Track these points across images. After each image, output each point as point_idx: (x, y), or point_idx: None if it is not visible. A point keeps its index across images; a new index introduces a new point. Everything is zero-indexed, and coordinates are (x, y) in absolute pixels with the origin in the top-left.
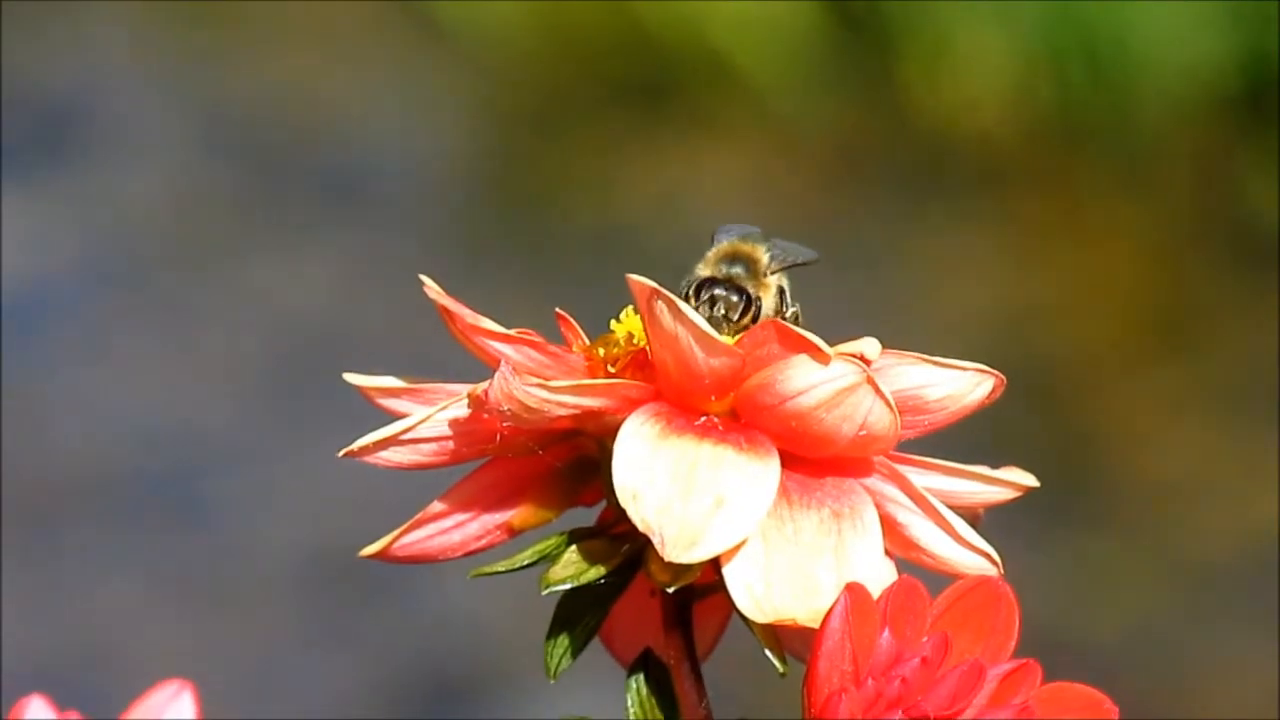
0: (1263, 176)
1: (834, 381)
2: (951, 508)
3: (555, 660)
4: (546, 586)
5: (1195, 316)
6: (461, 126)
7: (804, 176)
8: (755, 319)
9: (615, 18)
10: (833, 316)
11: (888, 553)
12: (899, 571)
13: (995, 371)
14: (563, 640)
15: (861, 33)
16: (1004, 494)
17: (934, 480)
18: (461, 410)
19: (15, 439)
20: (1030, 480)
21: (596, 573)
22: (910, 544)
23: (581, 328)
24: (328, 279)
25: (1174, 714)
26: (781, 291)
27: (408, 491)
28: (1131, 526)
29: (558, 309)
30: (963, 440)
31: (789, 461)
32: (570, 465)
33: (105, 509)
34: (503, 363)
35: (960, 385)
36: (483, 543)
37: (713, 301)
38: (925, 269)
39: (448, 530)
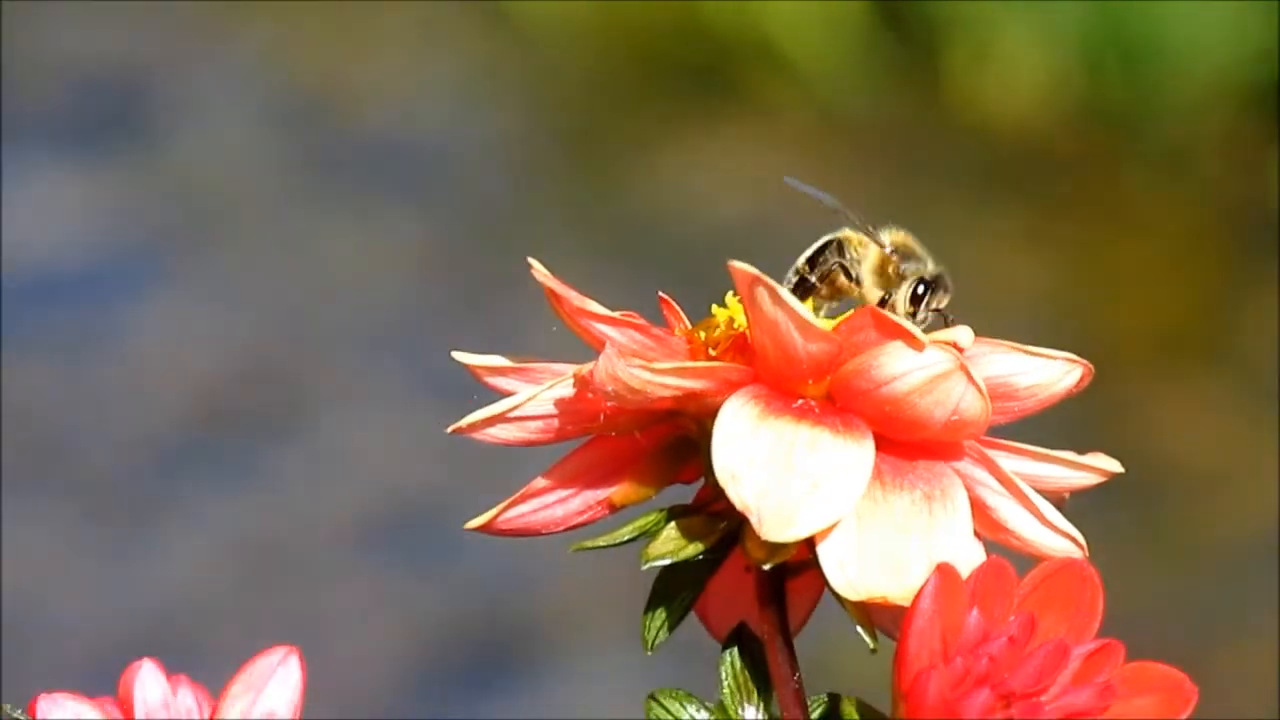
0: None
1: (928, 368)
2: (1039, 491)
3: (653, 633)
4: (646, 561)
5: (1226, 306)
6: (520, 112)
7: (849, 164)
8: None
9: (674, 9)
10: None
11: (977, 534)
12: (987, 553)
13: (1083, 361)
14: (660, 613)
15: (907, 28)
16: (1090, 479)
17: (1022, 465)
18: (567, 390)
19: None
20: (1115, 466)
21: (695, 549)
22: (998, 526)
23: (660, 308)
24: (387, 250)
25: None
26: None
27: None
28: (1158, 510)
29: (661, 293)
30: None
31: (882, 444)
32: (670, 444)
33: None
34: (608, 344)
35: (1050, 373)
36: (584, 518)
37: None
38: (965, 256)
39: (550, 505)
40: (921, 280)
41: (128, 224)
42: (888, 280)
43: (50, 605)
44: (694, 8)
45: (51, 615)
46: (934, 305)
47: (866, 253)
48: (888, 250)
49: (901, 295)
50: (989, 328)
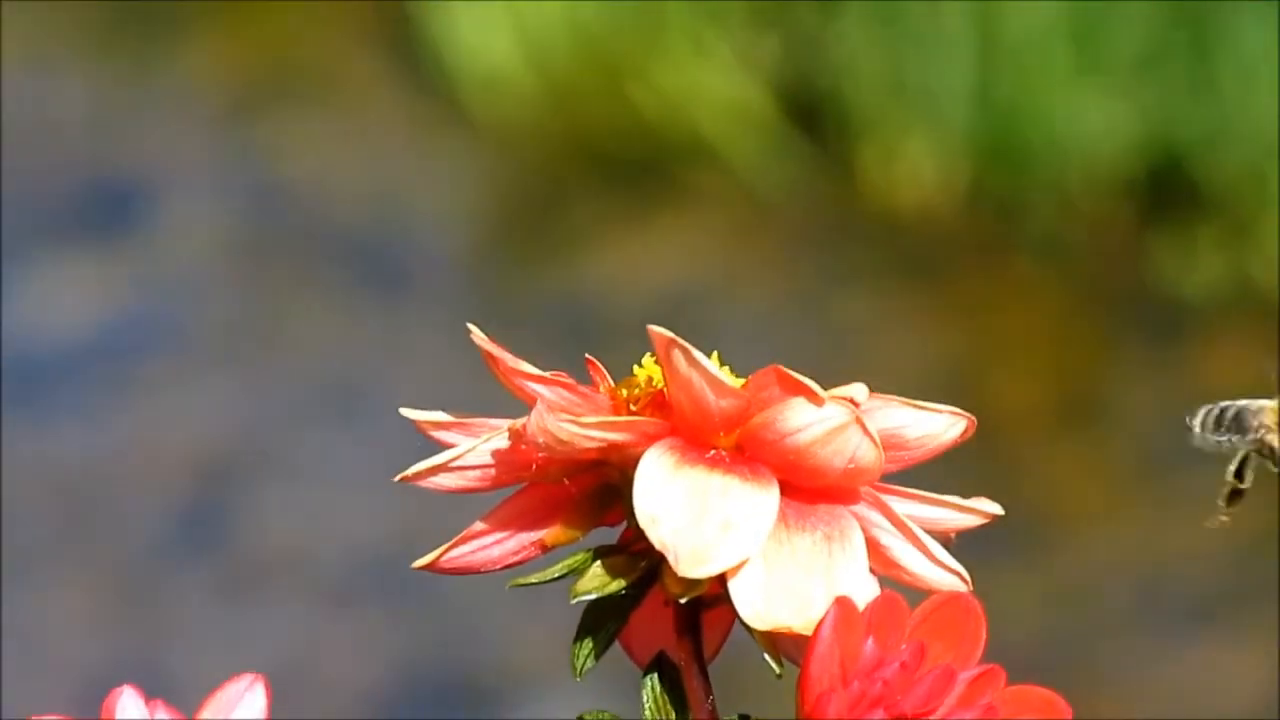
0: (1166, 253)
1: (827, 421)
2: (928, 532)
3: (581, 661)
4: (574, 596)
5: (1102, 375)
6: (469, 200)
7: (772, 249)
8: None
9: (617, 109)
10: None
11: (872, 570)
12: (882, 587)
13: (967, 414)
14: (588, 644)
15: (822, 127)
16: (973, 520)
17: (913, 508)
18: (502, 442)
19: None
20: (996, 509)
21: (618, 585)
22: (891, 563)
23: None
24: (356, 335)
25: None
26: None
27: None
28: (1032, 558)
29: (588, 355)
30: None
31: (787, 490)
32: (596, 491)
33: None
34: (539, 400)
35: (937, 425)
36: (519, 557)
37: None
38: (873, 330)
39: (488, 546)
40: None
41: (113, 313)
42: None
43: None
44: (635, 107)
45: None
46: None
47: None
48: None
49: None
50: (892, 392)
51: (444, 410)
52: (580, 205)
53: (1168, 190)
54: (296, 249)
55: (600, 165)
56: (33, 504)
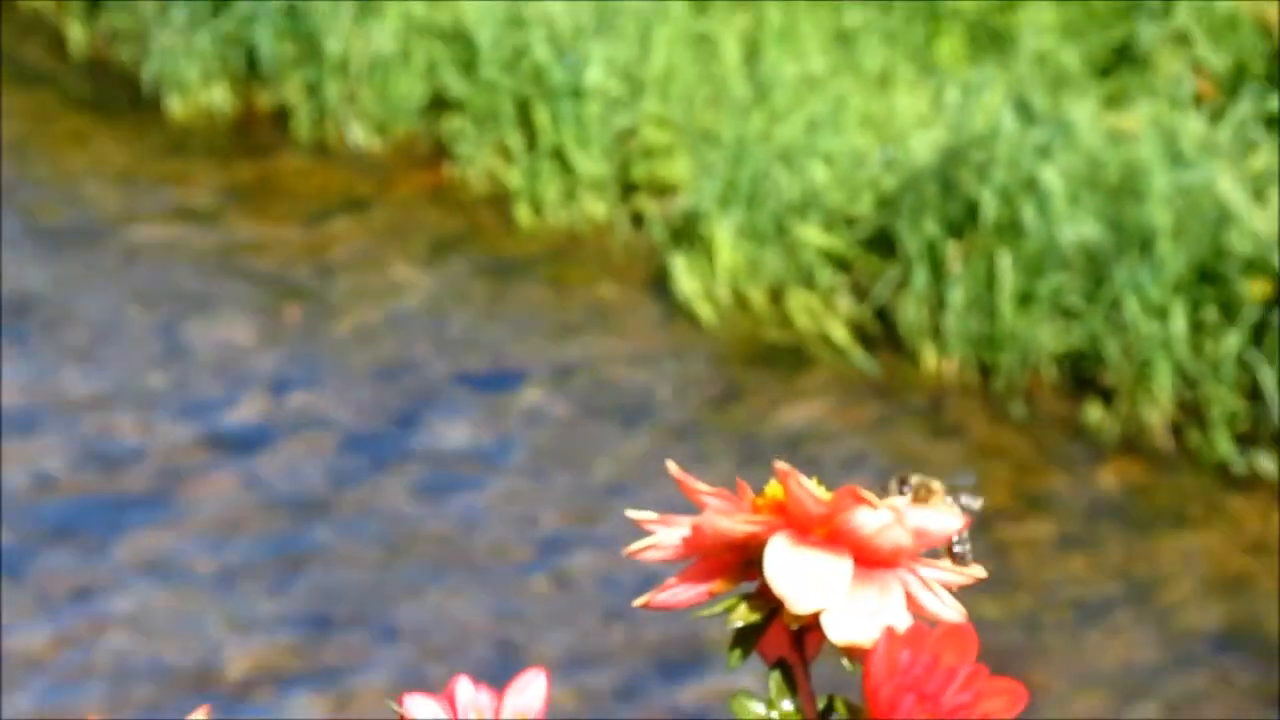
0: None
1: (879, 521)
2: (940, 585)
3: (734, 659)
4: (729, 623)
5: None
6: (694, 372)
7: (857, 410)
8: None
9: (780, 320)
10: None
11: (907, 609)
12: (914, 620)
13: (970, 516)
14: (738, 651)
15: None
16: (966, 580)
17: (931, 573)
18: (687, 531)
19: None
20: (981, 572)
21: (756, 617)
22: (918, 606)
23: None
24: (618, 460)
25: None
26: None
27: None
28: (1014, 592)
29: (738, 478)
30: None
31: (857, 562)
32: (742, 561)
33: None
34: (708, 507)
35: (949, 524)
36: (696, 599)
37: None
38: (918, 465)
39: (679, 592)
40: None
41: None
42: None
43: None
44: (792, 322)
45: None
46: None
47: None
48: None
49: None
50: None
51: (655, 510)
52: (753, 376)
53: None
54: (594, 411)
55: (768, 353)
56: None
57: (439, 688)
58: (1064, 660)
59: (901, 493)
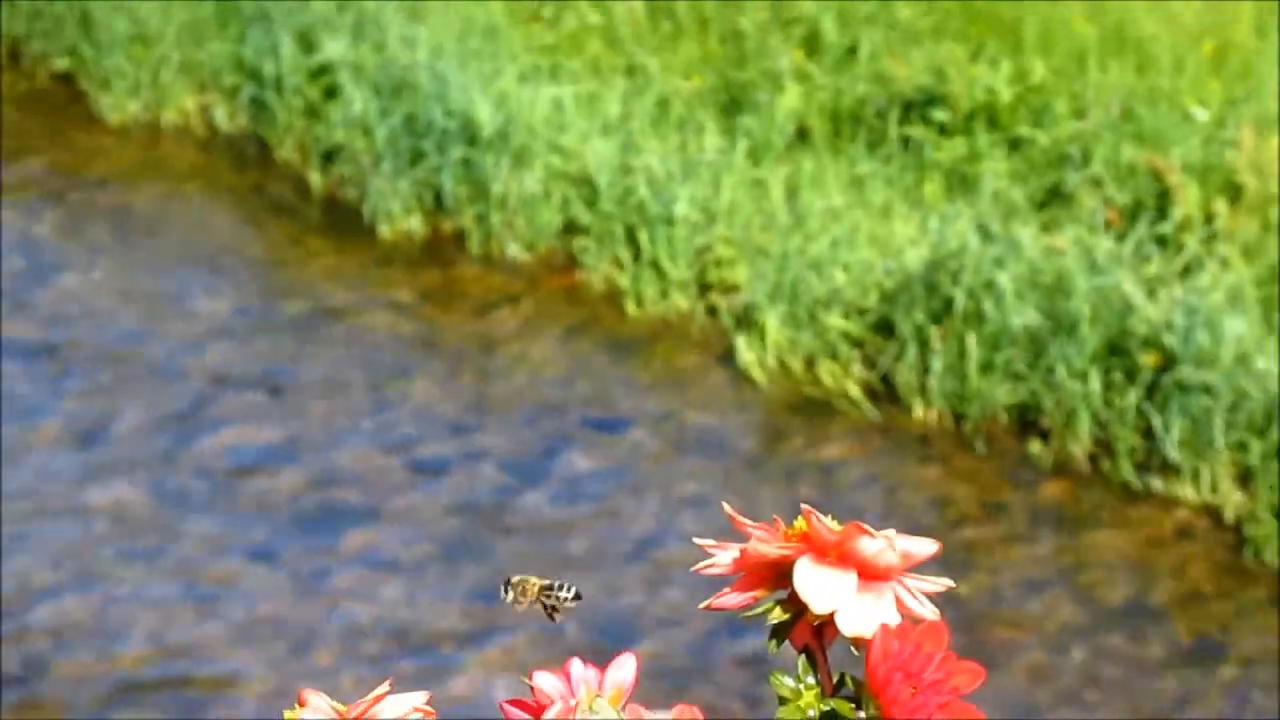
0: None
1: (876, 546)
2: (921, 592)
3: (772, 648)
4: (768, 620)
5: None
6: (745, 420)
7: (877, 457)
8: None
9: (821, 380)
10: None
11: (897, 610)
12: (901, 618)
13: (938, 543)
14: (774, 641)
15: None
16: (940, 589)
17: (915, 582)
18: (736, 553)
19: None
20: (949, 583)
21: (787, 616)
22: (905, 608)
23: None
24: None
25: None
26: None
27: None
28: (975, 602)
29: (774, 515)
30: None
31: (861, 576)
32: (778, 575)
33: None
34: (752, 536)
35: (928, 548)
36: (744, 604)
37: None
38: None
39: (731, 598)
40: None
41: None
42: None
43: None
44: (824, 386)
45: None
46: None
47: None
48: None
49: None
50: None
51: (714, 538)
52: (794, 423)
53: None
54: (679, 448)
55: (805, 406)
56: None
57: (561, 661)
58: (1015, 623)
59: (507, 589)
